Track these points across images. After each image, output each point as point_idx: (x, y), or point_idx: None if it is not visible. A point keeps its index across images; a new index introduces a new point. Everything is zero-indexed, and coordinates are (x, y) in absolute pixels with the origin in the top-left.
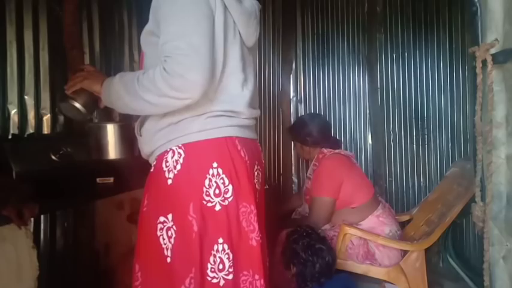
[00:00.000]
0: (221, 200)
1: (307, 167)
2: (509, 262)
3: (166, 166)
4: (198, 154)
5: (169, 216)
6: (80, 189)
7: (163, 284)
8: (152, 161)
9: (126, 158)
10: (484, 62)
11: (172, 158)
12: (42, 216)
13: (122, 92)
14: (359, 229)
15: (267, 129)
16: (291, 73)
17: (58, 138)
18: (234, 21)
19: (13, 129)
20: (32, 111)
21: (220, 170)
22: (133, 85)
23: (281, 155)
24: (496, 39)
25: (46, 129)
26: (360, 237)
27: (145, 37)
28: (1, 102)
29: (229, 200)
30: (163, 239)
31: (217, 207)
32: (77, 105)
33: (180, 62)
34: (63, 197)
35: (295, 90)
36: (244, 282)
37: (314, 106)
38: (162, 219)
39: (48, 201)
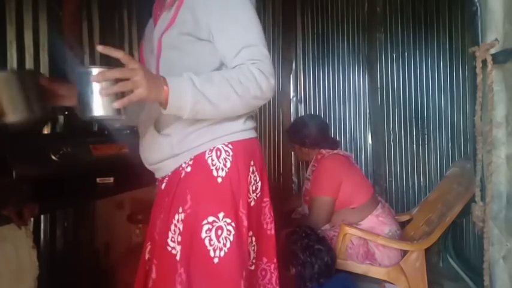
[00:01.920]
0: (255, 196)
1: (307, 167)
2: (509, 262)
3: (213, 165)
4: (244, 152)
5: (221, 214)
6: (80, 189)
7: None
8: (178, 163)
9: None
10: (484, 62)
11: (220, 156)
12: (42, 216)
13: (213, 94)
14: (359, 229)
15: (267, 129)
16: (291, 73)
17: (58, 138)
18: None
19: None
20: None
21: (255, 168)
22: (232, 87)
23: (281, 155)
24: (496, 39)
25: (46, 129)
26: (360, 237)
27: (179, 37)
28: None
29: (258, 195)
30: (211, 240)
31: (253, 203)
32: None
33: (270, 66)
34: (63, 197)
35: (295, 90)
36: (261, 270)
37: (314, 106)
38: (211, 219)
39: (48, 201)
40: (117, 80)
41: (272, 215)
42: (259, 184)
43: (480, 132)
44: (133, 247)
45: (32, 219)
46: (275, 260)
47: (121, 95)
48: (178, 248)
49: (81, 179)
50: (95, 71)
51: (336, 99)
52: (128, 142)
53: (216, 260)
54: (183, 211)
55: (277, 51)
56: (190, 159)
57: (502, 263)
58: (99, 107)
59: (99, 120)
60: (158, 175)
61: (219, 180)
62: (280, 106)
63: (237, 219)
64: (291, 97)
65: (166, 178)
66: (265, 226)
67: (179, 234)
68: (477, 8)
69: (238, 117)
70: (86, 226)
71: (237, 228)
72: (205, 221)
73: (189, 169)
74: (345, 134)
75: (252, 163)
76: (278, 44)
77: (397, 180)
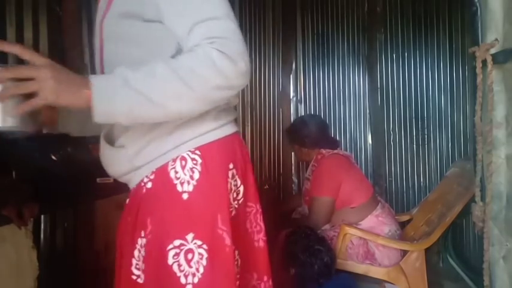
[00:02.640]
0: (236, 204)
1: (307, 167)
2: (509, 262)
3: (177, 178)
4: (217, 156)
5: (189, 236)
6: (80, 189)
7: None
8: (140, 177)
9: None
10: (484, 62)
11: (185, 166)
12: (42, 216)
13: (156, 92)
14: (359, 229)
15: (267, 129)
16: (291, 73)
17: (58, 138)
18: None
19: None
20: None
21: (234, 171)
22: (182, 79)
23: (281, 155)
24: (496, 39)
25: (46, 129)
26: (360, 237)
27: (117, 21)
28: None
29: (240, 202)
30: (180, 266)
31: (233, 213)
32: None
33: (238, 44)
34: (63, 197)
35: (295, 90)
36: (246, 286)
37: (314, 106)
38: (177, 242)
39: (48, 201)
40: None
41: (261, 223)
42: (240, 189)
43: (480, 132)
44: None
45: (32, 219)
46: (265, 278)
47: (25, 100)
48: (143, 277)
49: (81, 179)
50: None
51: (336, 99)
52: None
53: (189, 287)
54: (145, 236)
55: (277, 51)
56: (152, 173)
57: (502, 263)
58: None
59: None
60: (130, 186)
61: (185, 196)
62: (280, 106)
63: (212, 240)
64: (291, 97)
65: (131, 191)
66: (251, 236)
67: (143, 261)
68: (477, 8)
69: (206, 113)
70: (86, 226)
71: (213, 250)
72: (170, 246)
73: (149, 185)
74: (345, 134)
75: (231, 166)
76: (278, 44)
77: (397, 180)
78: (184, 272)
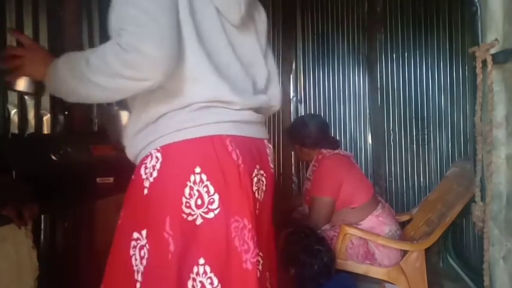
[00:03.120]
0: (203, 212)
1: (307, 167)
2: (509, 262)
3: (145, 173)
4: (177, 158)
5: (144, 232)
6: (80, 189)
7: None
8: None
9: None
10: (484, 62)
11: (150, 163)
12: (42, 216)
13: (67, 74)
14: (359, 229)
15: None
16: (291, 73)
17: (58, 138)
18: None
19: (13, 129)
20: (32, 111)
21: (204, 176)
22: (79, 65)
23: (281, 155)
24: (496, 39)
25: (46, 129)
26: (360, 237)
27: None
28: (1, 102)
29: (216, 212)
30: (136, 260)
31: (199, 221)
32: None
33: (134, 33)
34: (63, 197)
35: (295, 90)
36: None
37: (314, 106)
38: (135, 235)
39: (48, 201)
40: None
41: (250, 242)
42: (215, 197)
43: (480, 132)
44: None
45: (32, 219)
46: None
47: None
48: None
49: (81, 179)
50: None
51: (336, 99)
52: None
53: (138, 285)
54: (118, 222)
55: (277, 51)
56: (137, 166)
57: (502, 263)
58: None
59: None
60: None
61: (145, 191)
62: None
63: (157, 242)
64: (291, 97)
65: None
66: (240, 256)
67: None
68: (477, 8)
69: (178, 110)
70: (86, 226)
71: (154, 253)
72: (132, 237)
73: (133, 176)
74: (345, 134)
75: (196, 170)
76: (278, 44)
77: (397, 180)
78: (137, 268)
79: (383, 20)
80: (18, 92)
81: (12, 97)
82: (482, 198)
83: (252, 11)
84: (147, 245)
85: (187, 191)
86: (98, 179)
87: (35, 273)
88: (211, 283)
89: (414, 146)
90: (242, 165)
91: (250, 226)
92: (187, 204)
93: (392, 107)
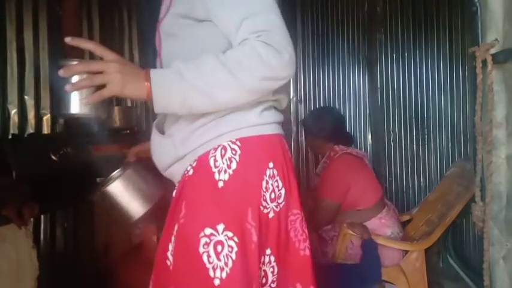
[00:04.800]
0: (275, 206)
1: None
2: (509, 262)
3: (216, 166)
4: (256, 151)
5: (220, 226)
6: (80, 189)
7: None
8: (184, 167)
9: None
10: (484, 62)
11: (224, 155)
12: (42, 216)
13: (198, 81)
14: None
15: None
16: None
17: (58, 138)
18: None
19: (13, 129)
20: (32, 111)
21: (275, 172)
22: (218, 70)
23: None
24: (496, 39)
25: (46, 129)
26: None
27: (175, 21)
28: (1, 102)
29: (281, 206)
30: (209, 257)
31: (271, 214)
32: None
33: (283, 36)
34: (63, 197)
35: (295, 90)
36: None
37: (314, 106)
38: (208, 231)
39: (48, 201)
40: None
41: (306, 231)
42: (282, 192)
43: (480, 132)
44: (133, 247)
45: (32, 219)
46: (315, 282)
47: (96, 90)
48: (173, 261)
49: (81, 179)
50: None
51: (336, 99)
52: (128, 142)
53: (217, 282)
54: (177, 220)
55: None
56: (195, 161)
57: (502, 263)
58: (73, 103)
59: (79, 119)
60: (175, 182)
61: (220, 184)
62: None
63: (242, 233)
64: (291, 97)
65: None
66: (297, 245)
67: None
68: (477, 8)
69: (251, 107)
70: (86, 226)
71: (241, 244)
72: (202, 234)
73: (191, 172)
74: None
75: (270, 165)
76: None
77: (397, 180)
78: (213, 265)
79: (383, 20)
80: (19, 92)
81: (12, 97)
82: (482, 198)
83: None
84: (231, 240)
85: (264, 184)
86: (97, 179)
87: (35, 273)
88: (272, 271)
89: (414, 146)
90: (290, 163)
91: (304, 217)
92: (264, 198)
93: (392, 107)
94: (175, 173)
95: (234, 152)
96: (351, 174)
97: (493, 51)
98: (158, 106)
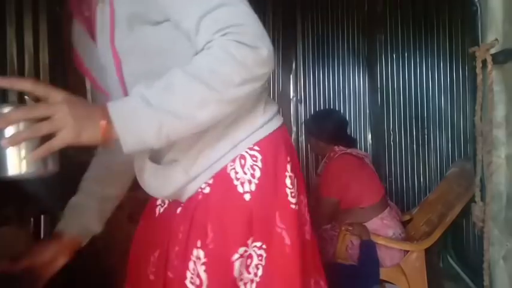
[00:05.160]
0: (295, 199)
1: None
2: (509, 262)
3: (238, 179)
4: (274, 151)
5: (249, 241)
6: None
7: None
8: (197, 186)
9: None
10: (484, 62)
11: (245, 165)
12: (42, 216)
13: (180, 104)
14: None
15: None
16: (291, 73)
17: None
18: None
19: None
20: None
21: (291, 165)
22: (205, 84)
23: None
24: (496, 39)
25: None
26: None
27: (133, 33)
28: (1, 102)
29: (297, 196)
30: (242, 276)
31: (296, 207)
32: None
33: (255, 28)
34: (64, 197)
35: (295, 90)
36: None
37: (314, 106)
38: (241, 250)
39: (48, 201)
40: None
41: (307, 216)
42: (295, 182)
43: (480, 132)
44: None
45: (32, 219)
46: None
47: (41, 141)
48: None
49: (81, 179)
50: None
51: (336, 99)
52: None
53: None
54: (203, 246)
55: (277, 51)
56: (211, 177)
57: (502, 263)
58: (11, 162)
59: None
60: (180, 200)
61: (247, 197)
62: (280, 106)
63: (271, 239)
64: (291, 97)
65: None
66: (303, 231)
67: (197, 276)
68: (477, 8)
69: (255, 105)
70: None
71: (272, 250)
72: (236, 255)
73: (207, 190)
74: None
75: (288, 159)
76: (278, 44)
77: (397, 180)
78: (243, 281)
79: (383, 20)
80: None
81: (12, 97)
82: (482, 198)
83: None
84: (260, 248)
85: (288, 181)
86: None
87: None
88: None
89: (414, 146)
90: (293, 147)
91: (306, 202)
92: (292, 194)
93: (392, 107)
94: (182, 194)
95: (254, 159)
96: (349, 172)
97: (493, 51)
98: (128, 145)
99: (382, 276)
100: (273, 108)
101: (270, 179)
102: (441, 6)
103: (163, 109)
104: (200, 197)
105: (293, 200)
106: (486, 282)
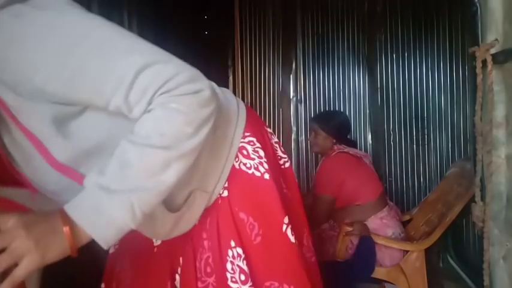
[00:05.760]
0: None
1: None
2: (509, 262)
3: (249, 168)
4: (256, 127)
5: (285, 219)
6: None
7: None
8: (216, 196)
9: None
10: (484, 62)
11: (248, 154)
12: None
13: (143, 177)
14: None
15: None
16: (291, 73)
17: None
18: None
19: None
20: None
21: (269, 129)
22: (154, 151)
23: None
24: (496, 39)
25: None
26: None
27: (59, 130)
28: None
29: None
30: (297, 241)
31: (288, 165)
32: None
33: (185, 73)
34: None
35: (295, 90)
36: None
37: (314, 106)
38: (286, 219)
39: None
40: None
41: None
42: (278, 145)
43: (480, 132)
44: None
45: None
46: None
47: (3, 276)
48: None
49: None
50: None
51: (336, 99)
52: None
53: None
54: (239, 243)
55: (277, 51)
56: (225, 181)
57: (502, 263)
58: None
59: None
60: None
61: (266, 176)
62: (280, 106)
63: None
64: (291, 97)
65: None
66: None
67: (239, 272)
68: (477, 8)
69: (222, 101)
70: None
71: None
72: (284, 226)
73: (225, 193)
74: None
75: (265, 127)
76: (278, 44)
77: (397, 180)
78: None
79: (383, 20)
80: None
81: None
82: (482, 198)
83: None
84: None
85: (276, 146)
86: None
87: (35, 273)
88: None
89: (414, 146)
90: None
91: None
92: (281, 155)
93: (392, 107)
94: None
95: (252, 143)
96: (344, 170)
97: (493, 51)
98: (108, 239)
99: (382, 276)
100: (230, 94)
101: (269, 150)
102: (441, 6)
103: (128, 189)
104: (220, 201)
105: (284, 156)
106: (486, 282)
